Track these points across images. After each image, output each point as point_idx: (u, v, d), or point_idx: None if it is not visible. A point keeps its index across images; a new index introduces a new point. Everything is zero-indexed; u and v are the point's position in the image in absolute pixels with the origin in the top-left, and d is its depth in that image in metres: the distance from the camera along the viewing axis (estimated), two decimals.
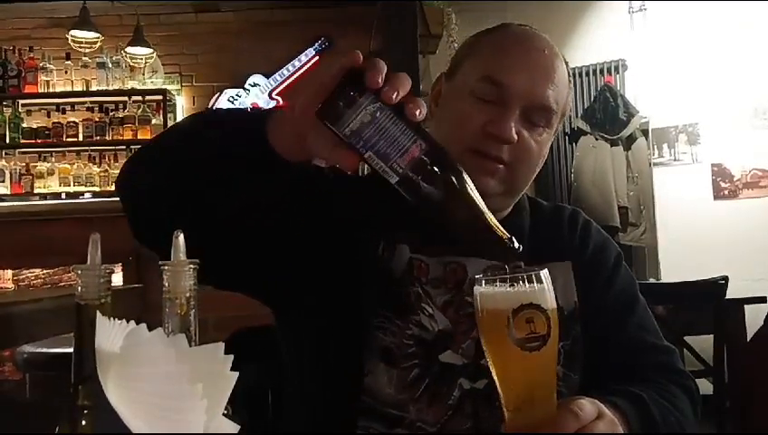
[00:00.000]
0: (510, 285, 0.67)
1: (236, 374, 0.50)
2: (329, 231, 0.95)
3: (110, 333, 0.50)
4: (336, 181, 0.99)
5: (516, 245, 0.67)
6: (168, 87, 4.96)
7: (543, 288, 0.68)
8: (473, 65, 0.98)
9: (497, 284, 0.68)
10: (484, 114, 0.93)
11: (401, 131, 0.65)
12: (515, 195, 1.01)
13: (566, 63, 1.00)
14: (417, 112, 0.66)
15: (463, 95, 0.97)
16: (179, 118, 5.05)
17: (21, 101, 4.92)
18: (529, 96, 0.94)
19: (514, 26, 1.02)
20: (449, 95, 1.01)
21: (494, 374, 0.70)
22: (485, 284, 0.69)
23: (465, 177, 0.67)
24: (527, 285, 0.68)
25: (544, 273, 0.69)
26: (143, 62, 4.80)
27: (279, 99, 5.06)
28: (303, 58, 5.07)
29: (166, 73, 5.00)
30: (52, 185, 4.76)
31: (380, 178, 0.66)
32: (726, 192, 4.22)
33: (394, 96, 0.65)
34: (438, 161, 0.66)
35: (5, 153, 4.85)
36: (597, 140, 4.41)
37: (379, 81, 0.65)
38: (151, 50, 4.73)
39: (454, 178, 0.66)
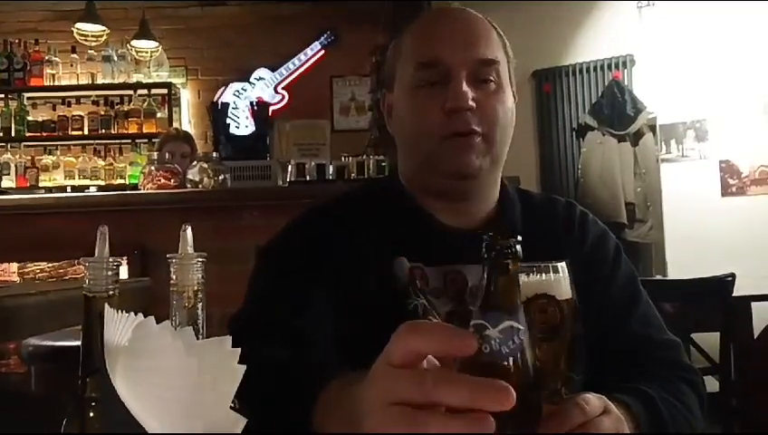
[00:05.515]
0: (525, 275, 0.67)
1: (244, 367, 0.49)
2: (347, 277, 0.95)
3: (119, 326, 0.50)
4: (328, 241, 0.98)
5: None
6: (174, 80, 4.96)
7: (559, 279, 0.67)
8: (404, 62, 1.00)
9: None
10: (438, 97, 0.94)
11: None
12: (498, 163, 1.00)
13: (488, 20, 1.02)
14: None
15: (409, 92, 0.98)
16: (185, 111, 5.06)
17: (26, 95, 4.93)
18: (467, 58, 0.95)
19: (429, 10, 1.05)
20: (398, 101, 1.02)
21: None
22: None
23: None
24: (543, 275, 0.67)
25: (561, 264, 0.68)
26: (149, 55, 4.80)
27: (284, 93, 5.06)
28: (309, 52, 5.06)
29: (171, 67, 5.00)
30: (58, 178, 4.77)
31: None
32: (734, 189, 4.19)
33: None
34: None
35: (11, 146, 4.86)
36: (604, 135, 4.39)
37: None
38: (157, 43, 4.73)
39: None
